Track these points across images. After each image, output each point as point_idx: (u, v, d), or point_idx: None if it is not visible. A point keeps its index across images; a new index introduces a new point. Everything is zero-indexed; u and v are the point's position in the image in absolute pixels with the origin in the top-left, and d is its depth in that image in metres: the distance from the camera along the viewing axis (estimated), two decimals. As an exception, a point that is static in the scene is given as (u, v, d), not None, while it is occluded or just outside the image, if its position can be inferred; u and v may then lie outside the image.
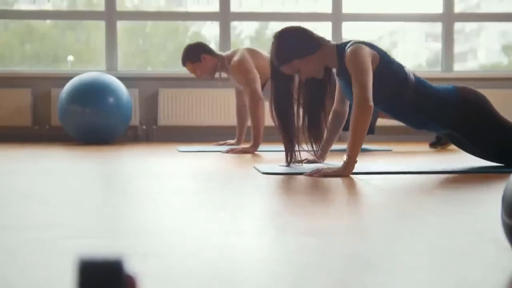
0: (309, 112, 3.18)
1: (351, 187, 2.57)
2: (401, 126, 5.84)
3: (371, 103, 2.85)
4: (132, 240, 1.52)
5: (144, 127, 6.25)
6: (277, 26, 7.34)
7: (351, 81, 2.94)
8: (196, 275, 1.18)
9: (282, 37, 3.10)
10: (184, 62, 4.88)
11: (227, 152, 4.44)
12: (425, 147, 5.08)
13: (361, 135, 2.87)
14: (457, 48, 6.80)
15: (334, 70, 3.16)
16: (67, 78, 5.72)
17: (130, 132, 6.18)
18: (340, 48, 3.07)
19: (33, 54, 7.14)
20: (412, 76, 3.08)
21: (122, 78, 5.83)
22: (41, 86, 6.19)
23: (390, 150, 4.90)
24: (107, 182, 2.87)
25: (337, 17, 6.47)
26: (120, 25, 6.49)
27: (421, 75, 3.24)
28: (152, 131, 6.26)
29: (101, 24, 6.41)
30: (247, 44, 7.46)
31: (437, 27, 6.75)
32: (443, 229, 1.68)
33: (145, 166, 3.53)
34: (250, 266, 1.25)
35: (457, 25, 6.72)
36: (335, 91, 3.25)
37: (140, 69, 6.93)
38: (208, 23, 6.59)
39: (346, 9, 6.47)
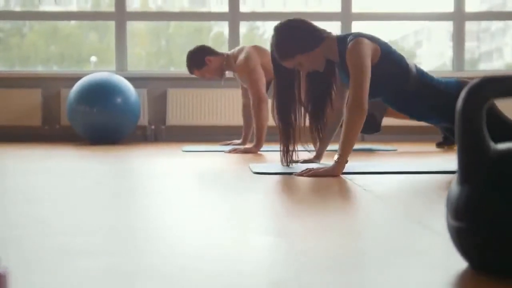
0: (314, 106, 3.17)
1: (339, 187, 2.56)
2: (407, 126, 5.81)
3: (366, 106, 2.84)
4: (129, 239, 1.53)
5: (152, 127, 6.28)
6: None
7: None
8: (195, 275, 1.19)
9: (283, 31, 3.05)
10: (191, 70, 4.87)
11: (230, 152, 4.45)
12: (432, 147, 5.05)
13: (353, 136, 2.86)
14: (483, 47, 6.68)
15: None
16: (77, 79, 5.77)
17: (139, 132, 6.22)
18: (341, 41, 3.05)
19: (57, 54, 7.21)
20: (413, 67, 3.08)
21: (131, 79, 5.87)
22: (51, 86, 6.25)
23: (395, 150, 4.87)
24: (108, 182, 2.88)
25: (346, 16, 6.44)
26: (144, 25, 6.50)
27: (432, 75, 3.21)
28: (160, 131, 6.29)
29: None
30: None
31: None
32: (424, 229, 1.67)
33: (147, 166, 3.55)
34: (239, 268, 1.26)
35: (483, 24, 6.61)
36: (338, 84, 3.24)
37: (162, 69, 6.93)
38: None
39: (356, 8, 6.44)
